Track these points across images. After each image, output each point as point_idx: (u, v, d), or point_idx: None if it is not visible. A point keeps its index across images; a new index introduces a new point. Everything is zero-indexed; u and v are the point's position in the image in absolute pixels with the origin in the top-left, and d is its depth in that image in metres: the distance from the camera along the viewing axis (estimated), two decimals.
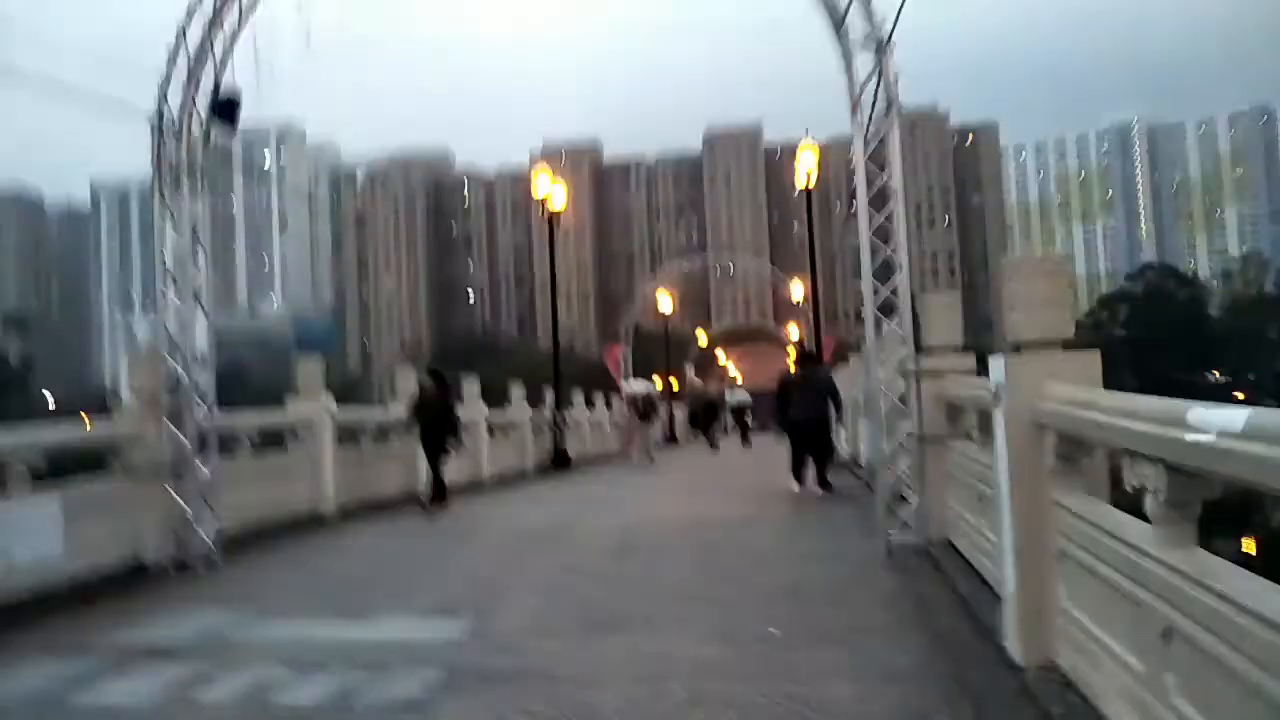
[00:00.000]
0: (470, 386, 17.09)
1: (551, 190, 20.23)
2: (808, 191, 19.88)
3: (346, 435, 12.43)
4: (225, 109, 7.85)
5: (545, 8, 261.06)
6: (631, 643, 4.84)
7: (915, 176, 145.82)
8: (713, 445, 27.74)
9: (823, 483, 11.76)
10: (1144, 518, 3.04)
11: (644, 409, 22.31)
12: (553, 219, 20.75)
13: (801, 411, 11.57)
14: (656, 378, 32.37)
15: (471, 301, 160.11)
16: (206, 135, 7.99)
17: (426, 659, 4.64)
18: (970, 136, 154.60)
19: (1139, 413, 3.04)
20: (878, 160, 7.26)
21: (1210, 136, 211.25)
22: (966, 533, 6.35)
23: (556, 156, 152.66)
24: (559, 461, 19.57)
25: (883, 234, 7.40)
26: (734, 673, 4.33)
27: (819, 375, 12.47)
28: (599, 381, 37.10)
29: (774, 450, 14.95)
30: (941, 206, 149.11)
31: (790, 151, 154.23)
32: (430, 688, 4.21)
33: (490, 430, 17.39)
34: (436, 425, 11.91)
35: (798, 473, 11.86)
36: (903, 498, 7.47)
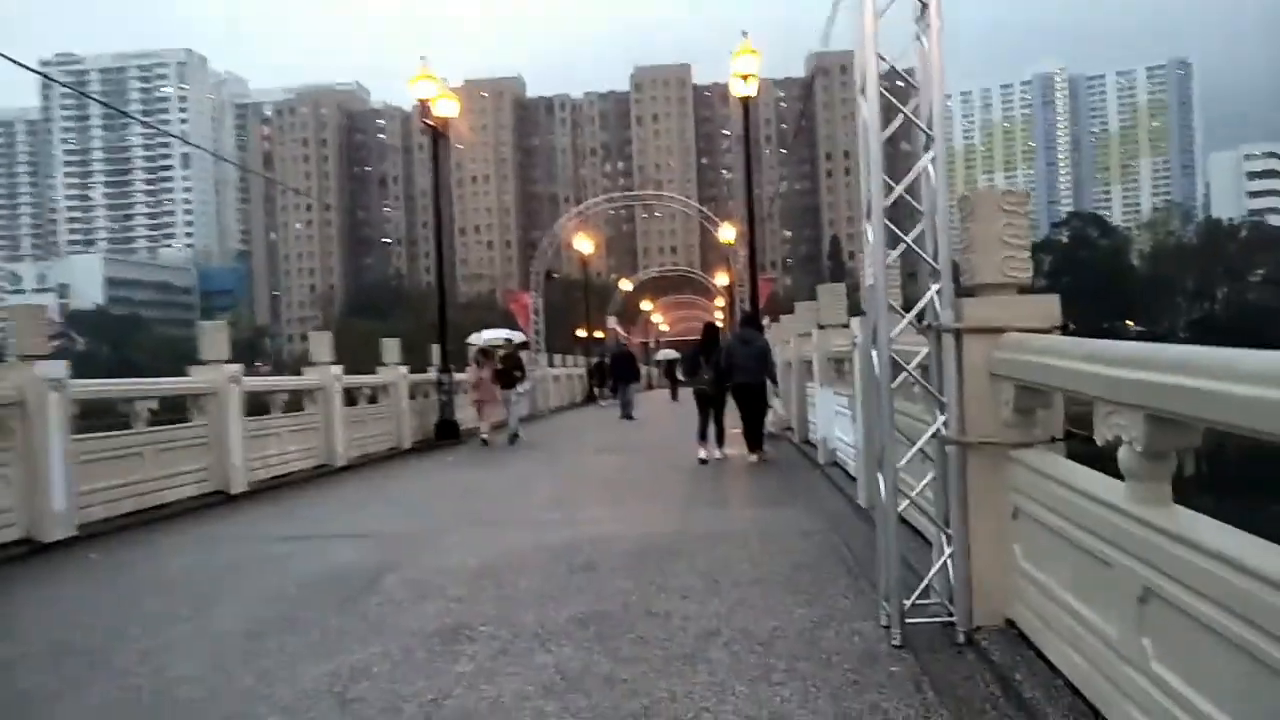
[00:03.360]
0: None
1: (432, 94, 16.54)
2: (745, 105, 16.66)
3: None
4: None
5: None
6: None
7: (845, 122, 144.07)
8: (626, 414, 21.33)
9: (754, 446, 11.30)
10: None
11: (504, 370, 15.95)
12: (436, 132, 17.11)
13: (745, 375, 11.21)
14: (515, 333, 21.88)
15: (386, 244, 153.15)
16: None
17: None
18: (899, 83, 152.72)
19: (1118, 358, 2.88)
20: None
21: (1129, 88, 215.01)
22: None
23: (476, 92, 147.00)
24: (444, 433, 16.33)
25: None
26: None
27: (760, 340, 11.97)
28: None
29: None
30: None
31: (720, 93, 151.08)
32: None
33: (350, 398, 14.07)
34: None
35: (703, 434, 11.53)
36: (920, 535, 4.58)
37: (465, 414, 19.03)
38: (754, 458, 11.11)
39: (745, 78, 16.52)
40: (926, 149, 4.32)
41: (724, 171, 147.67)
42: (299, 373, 13.70)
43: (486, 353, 16.97)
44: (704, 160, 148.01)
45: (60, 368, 7.77)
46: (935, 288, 4.18)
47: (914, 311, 4.26)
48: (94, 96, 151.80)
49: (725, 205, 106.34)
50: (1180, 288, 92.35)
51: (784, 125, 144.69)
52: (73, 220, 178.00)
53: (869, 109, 4.34)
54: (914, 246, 4.28)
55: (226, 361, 10.48)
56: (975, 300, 4.12)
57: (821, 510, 7.36)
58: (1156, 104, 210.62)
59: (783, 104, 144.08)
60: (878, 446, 4.34)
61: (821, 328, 10.08)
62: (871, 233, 4.30)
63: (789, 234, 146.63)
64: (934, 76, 4.26)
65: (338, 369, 13.38)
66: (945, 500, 4.18)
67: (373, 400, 15.38)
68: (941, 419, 4.14)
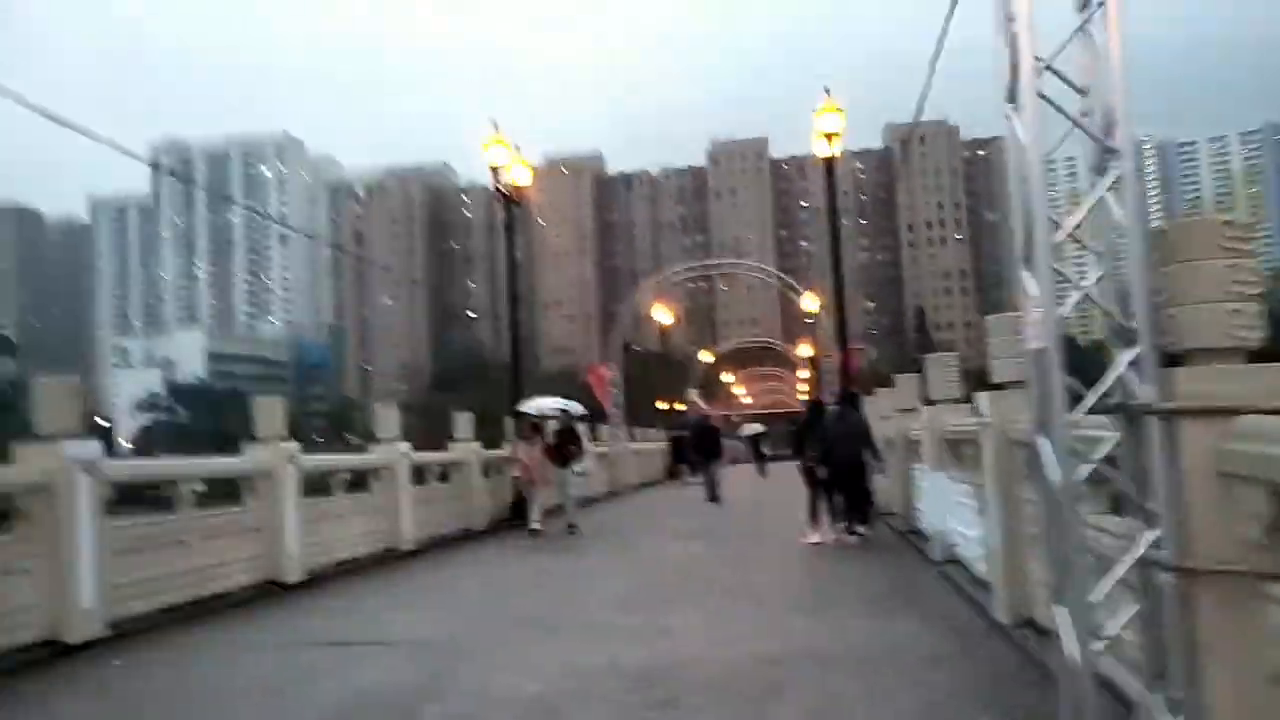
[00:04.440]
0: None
1: (505, 161, 16.14)
2: (829, 166, 15.77)
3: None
4: None
5: (549, 26, 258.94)
6: None
7: (926, 192, 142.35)
8: (711, 495, 18.69)
9: (852, 530, 11.04)
10: None
11: (558, 443, 14.19)
12: (508, 199, 16.68)
13: (845, 450, 10.97)
14: (572, 403, 16.84)
15: (472, 318, 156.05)
16: None
17: None
18: (981, 151, 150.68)
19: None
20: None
21: (1223, 154, 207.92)
22: None
23: (556, 170, 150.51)
24: (519, 512, 15.41)
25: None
26: None
27: (857, 416, 11.64)
28: (598, 408, 33.03)
29: (797, 491, 12.13)
30: (953, 222, 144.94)
31: (798, 166, 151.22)
32: None
33: (420, 476, 13.34)
34: None
35: (814, 514, 11.27)
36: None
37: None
38: (856, 536, 10.95)
39: (829, 137, 15.69)
40: (1102, 172, 3.30)
41: (802, 243, 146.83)
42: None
43: (536, 426, 14.65)
44: (783, 232, 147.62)
45: (94, 447, 7.08)
46: (1130, 354, 3.12)
47: (1099, 389, 3.18)
48: (194, 183, 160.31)
49: (804, 277, 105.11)
50: None
51: (863, 196, 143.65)
52: (179, 299, 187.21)
53: (1023, 122, 3.36)
54: (1096, 299, 3.23)
55: (283, 439, 9.86)
56: (1190, 371, 3.05)
57: (947, 623, 6.15)
58: (1253, 170, 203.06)
59: (861, 174, 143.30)
60: (1056, 572, 3.24)
61: (931, 403, 8.93)
62: (1035, 281, 3.28)
63: (872, 305, 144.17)
64: (1114, 70, 3.25)
65: (405, 445, 12.69)
66: (1159, 651, 3.05)
67: (444, 478, 14.65)
68: (1149, 536, 3.03)
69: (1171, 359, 3.09)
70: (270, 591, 9.07)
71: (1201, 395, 2.96)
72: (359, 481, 12.23)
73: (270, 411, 9.99)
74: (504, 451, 15.83)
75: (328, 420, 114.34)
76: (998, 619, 5.89)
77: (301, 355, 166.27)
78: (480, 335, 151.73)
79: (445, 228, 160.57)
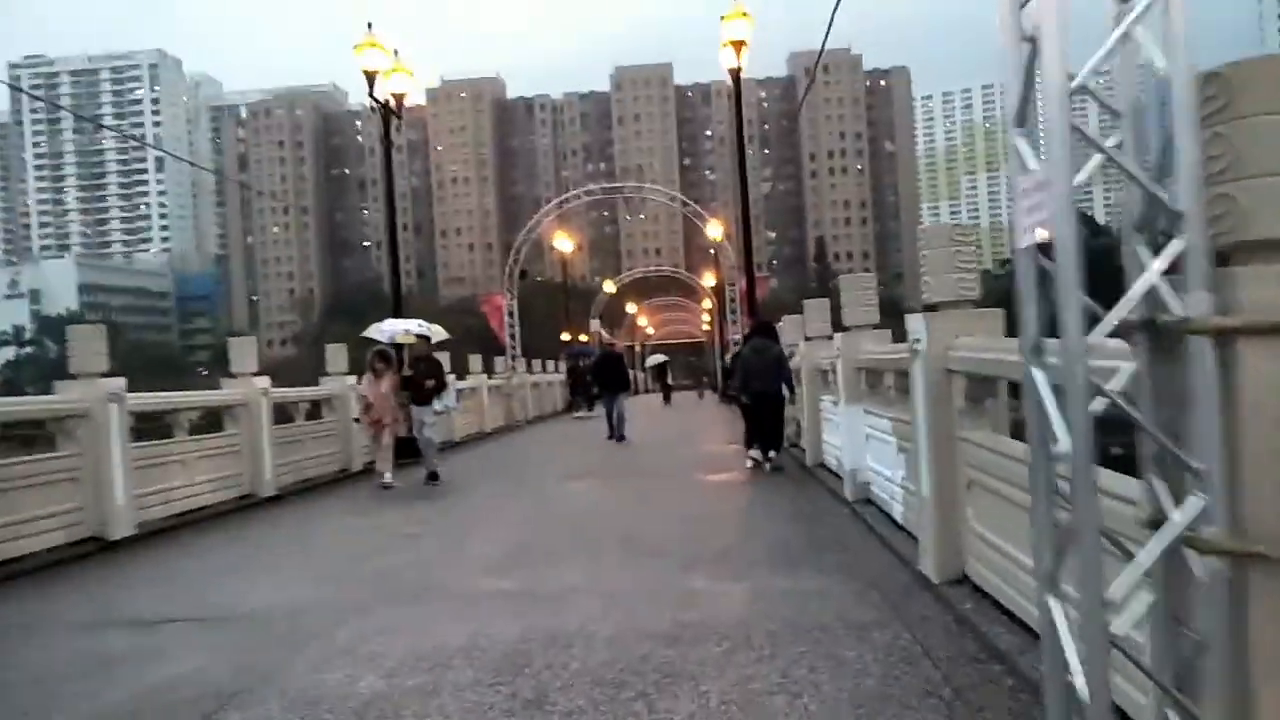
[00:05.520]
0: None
1: (383, 66, 14.45)
2: (736, 78, 14.61)
3: None
4: None
5: None
6: None
7: (828, 122, 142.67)
8: (616, 432, 17.10)
9: (766, 458, 11.22)
10: None
11: (414, 375, 11.79)
12: (387, 109, 14.99)
13: (761, 384, 11.00)
14: (431, 325, 13.84)
15: (365, 247, 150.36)
16: None
17: None
18: (882, 82, 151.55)
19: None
20: None
21: (1112, 88, 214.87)
22: None
23: (455, 92, 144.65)
24: (405, 450, 14.16)
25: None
26: None
27: (774, 349, 11.31)
28: (496, 339, 31.71)
29: (700, 421, 12.21)
30: (854, 153, 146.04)
31: (702, 93, 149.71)
32: None
33: (286, 414, 12.05)
34: None
35: (750, 443, 11.47)
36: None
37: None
38: (769, 462, 11.05)
39: (736, 46, 14.54)
40: None
41: (707, 172, 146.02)
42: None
43: (386, 356, 11.73)
44: (687, 161, 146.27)
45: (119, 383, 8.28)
46: (1169, 252, 2.19)
47: (1128, 301, 2.24)
48: (59, 105, 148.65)
49: (708, 207, 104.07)
50: None
51: (766, 125, 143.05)
52: (45, 225, 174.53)
53: None
54: (1130, 168, 2.28)
55: (104, 374, 8.42)
56: (1256, 272, 2.14)
57: (868, 580, 5.37)
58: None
59: (764, 104, 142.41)
60: (1048, 554, 2.35)
61: (845, 329, 8.11)
62: (1030, 147, 2.33)
63: (773, 235, 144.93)
64: None
65: (264, 380, 11.30)
66: (1183, 658, 2.20)
67: (313, 416, 13.33)
68: (1190, 506, 2.15)
69: (1223, 257, 2.19)
70: (89, 552, 7.75)
71: (1273, 306, 2.06)
72: (214, 423, 10.92)
73: (88, 341, 8.50)
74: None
75: (211, 354, 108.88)
76: (925, 574, 5.13)
77: (183, 286, 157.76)
78: (376, 265, 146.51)
79: (337, 152, 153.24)
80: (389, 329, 12.87)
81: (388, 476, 11.30)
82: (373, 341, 12.37)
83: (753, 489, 10.04)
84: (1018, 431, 4.50)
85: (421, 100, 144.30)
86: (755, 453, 11.33)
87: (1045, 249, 2.37)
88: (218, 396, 10.86)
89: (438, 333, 13.36)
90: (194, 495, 9.69)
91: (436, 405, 11.79)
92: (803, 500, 8.86)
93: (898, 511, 6.66)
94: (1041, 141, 2.27)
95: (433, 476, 11.60)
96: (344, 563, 7.06)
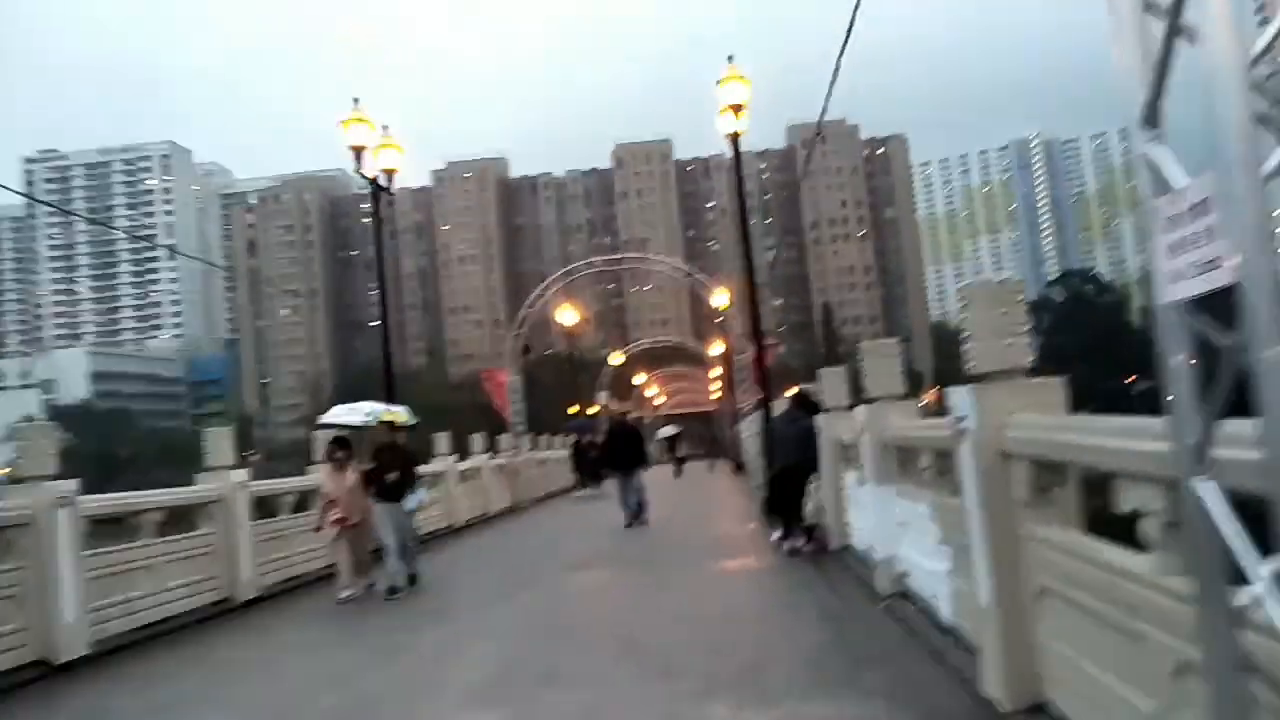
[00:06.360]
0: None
1: (369, 142, 14.02)
2: (735, 144, 14.10)
3: None
4: None
5: (454, 33, 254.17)
6: None
7: (829, 190, 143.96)
8: (634, 517, 14.99)
9: (787, 536, 10.51)
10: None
11: (377, 469, 9.85)
12: (376, 186, 14.51)
13: (785, 456, 10.76)
14: (397, 407, 11.65)
15: (373, 327, 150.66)
16: None
17: None
18: (880, 150, 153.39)
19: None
20: None
21: (1103, 150, 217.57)
22: None
23: (459, 173, 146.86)
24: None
25: None
26: None
27: (804, 421, 10.59)
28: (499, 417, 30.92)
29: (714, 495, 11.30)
30: (855, 220, 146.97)
31: (703, 167, 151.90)
32: None
33: (268, 508, 11.22)
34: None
35: (771, 514, 11.26)
36: None
37: (427, 513, 16.10)
38: (794, 550, 10.27)
39: (735, 109, 14.10)
40: None
41: (710, 244, 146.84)
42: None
43: (344, 442, 10.07)
44: (690, 233, 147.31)
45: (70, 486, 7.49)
46: None
47: None
48: (66, 210, 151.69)
49: (714, 277, 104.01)
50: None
51: (767, 196, 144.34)
52: (59, 315, 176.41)
53: None
54: None
55: (52, 477, 7.66)
56: None
57: (926, 706, 4.49)
58: (1132, 165, 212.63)
59: (764, 174, 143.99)
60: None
61: (869, 400, 7.32)
62: (1170, 154, 1.61)
63: (779, 302, 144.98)
64: None
65: (241, 474, 10.52)
66: None
67: (301, 508, 12.50)
68: None
69: None
70: (30, 679, 6.88)
71: None
72: (187, 522, 10.10)
73: (36, 441, 7.76)
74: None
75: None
76: (992, 698, 4.25)
77: (194, 370, 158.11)
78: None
79: (344, 235, 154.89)
80: (344, 413, 10.79)
81: (348, 590, 9.52)
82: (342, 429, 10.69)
83: (774, 578, 9.15)
84: (1094, 527, 3.72)
85: (427, 182, 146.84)
86: (778, 534, 10.81)
87: (1204, 303, 1.63)
88: (188, 494, 10.05)
89: (400, 414, 10.92)
90: (161, 604, 8.82)
91: (409, 502, 9.96)
92: (830, 593, 7.96)
93: (943, 610, 5.78)
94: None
95: (393, 591, 9.50)
96: (313, 689, 6.15)
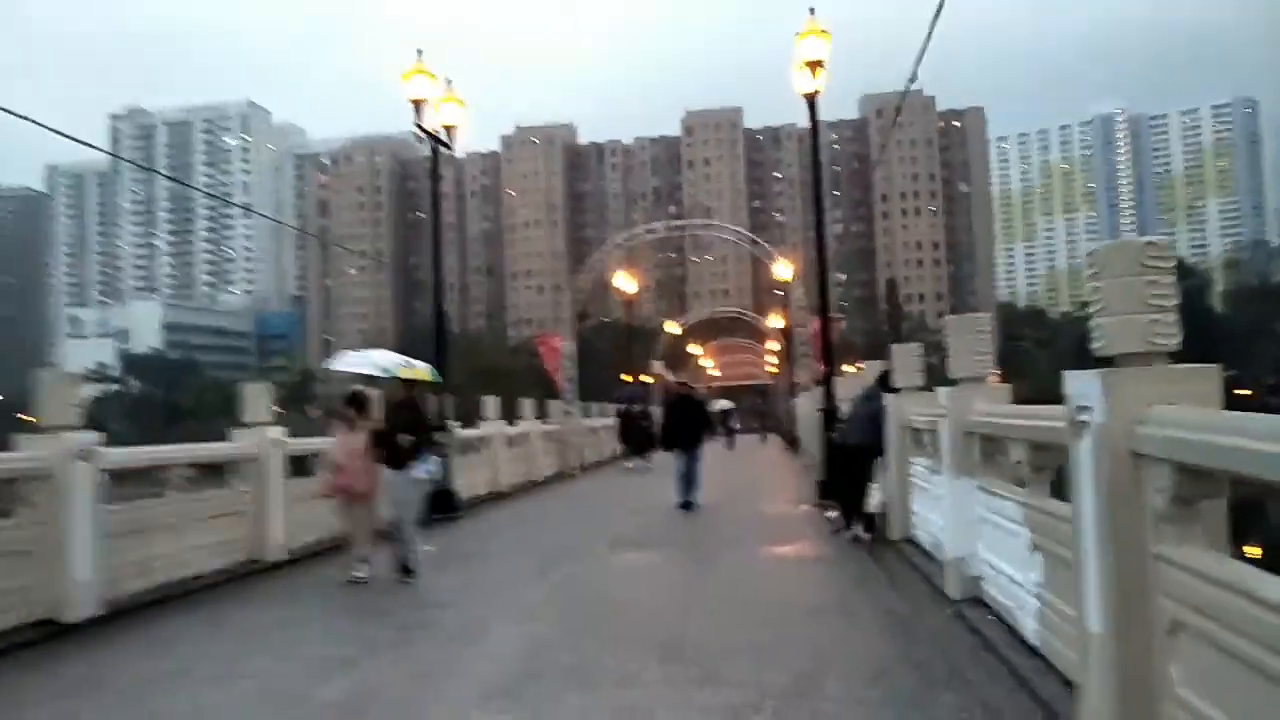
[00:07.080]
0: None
1: (430, 94, 13.40)
2: (811, 103, 13.11)
3: None
4: None
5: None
6: None
7: (901, 163, 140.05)
8: (686, 498, 13.60)
9: (848, 527, 9.85)
10: None
11: (388, 432, 8.40)
12: (434, 139, 13.90)
13: (857, 435, 9.97)
14: (415, 361, 9.16)
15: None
16: None
17: None
18: (956, 123, 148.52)
19: None
20: None
21: (1194, 128, 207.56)
22: None
23: (527, 139, 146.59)
24: (438, 505, 12.88)
25: None
26: None
27: (877, 402, 9.80)
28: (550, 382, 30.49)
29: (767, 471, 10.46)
30: (927, 194, 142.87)
31: (772, 136, 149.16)
32: None
33: (305, 468, 10.84)
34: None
35: (840, 502, 10.33)
36: None
37: (471, 477, 15.70)
38: (854, 538, 9.65)
39: (813, 66, 13.12)
40: None
41: (776, 215, 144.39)
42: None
43: (359, 399, 8.82)
44: (756, 203, 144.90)
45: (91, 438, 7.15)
46: None
47: None
48: (147, 167, 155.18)
49: (778, 249, 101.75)
50: (1269, 330, 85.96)
51: (837, 167, 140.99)
52: (138, 268, 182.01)
53: None
54: None
55: (72, 427, 7.28)
56: None
57: None
58: (1223, 143, 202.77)
59: (835, 145, 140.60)
60: None
61: (952, 382, 6.50)
62: None
63: (843, 277, 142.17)
64: None
65: (276, 430, 10.13)
66: None
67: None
68: None
69: None
70: (32, 640, 6.52)
71: None
72: (220, 477, 9.74)
73: (59, 389, 7.39)
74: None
75: (288, 393, 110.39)
76: None
77: (262, 325, 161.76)
78: (448, 307, 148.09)
79: (412, 197, 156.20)
80: (356, 361, 8.95)
81: (360, 571, 8.41)
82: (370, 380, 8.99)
83: (829, 570, 8.42)
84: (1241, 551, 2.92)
85: (496, 147, 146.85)
86: (834, 515, 10.48)
87: None
88: (220, 449, 9.68)
89: (421, 369, 9.02)
90: (183, 564, 8.46)
91: (419, 469, 8.47)
92: (891, 591, 7.21)
93: (1028, 627, 5.00)
94: None
95: (406, 572, 8.36)
96: (320, 673, 5.63)
